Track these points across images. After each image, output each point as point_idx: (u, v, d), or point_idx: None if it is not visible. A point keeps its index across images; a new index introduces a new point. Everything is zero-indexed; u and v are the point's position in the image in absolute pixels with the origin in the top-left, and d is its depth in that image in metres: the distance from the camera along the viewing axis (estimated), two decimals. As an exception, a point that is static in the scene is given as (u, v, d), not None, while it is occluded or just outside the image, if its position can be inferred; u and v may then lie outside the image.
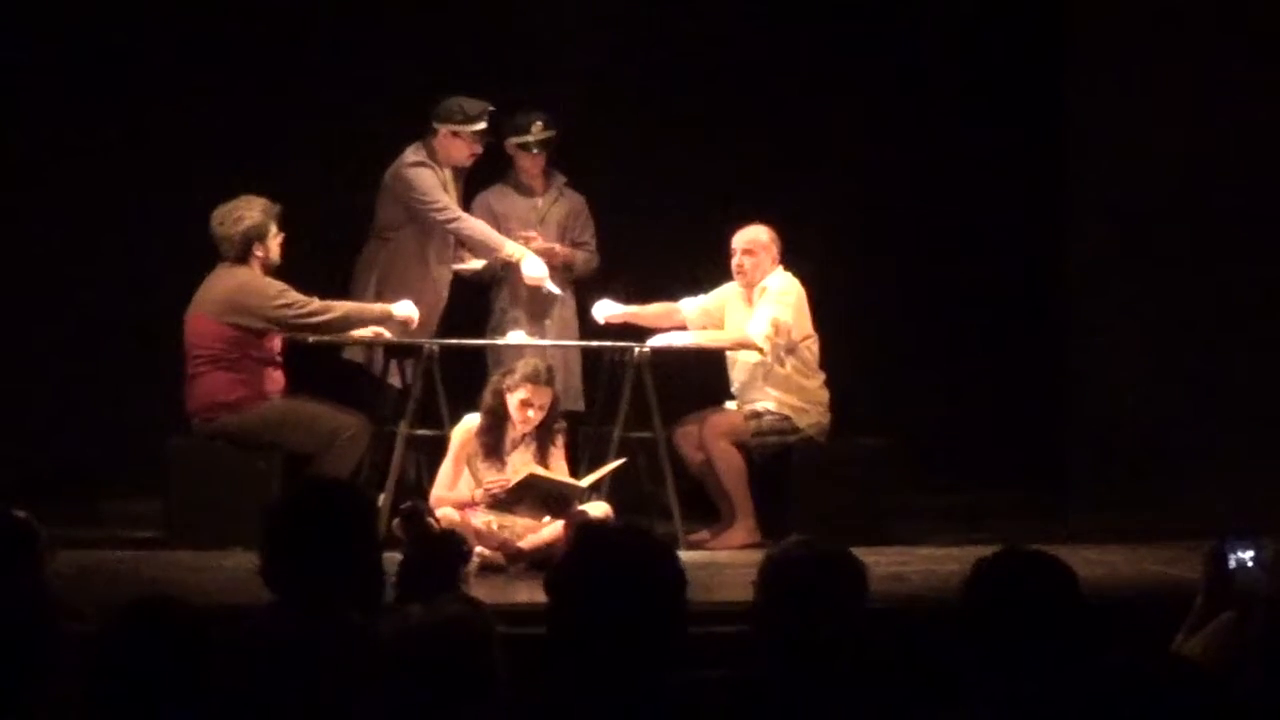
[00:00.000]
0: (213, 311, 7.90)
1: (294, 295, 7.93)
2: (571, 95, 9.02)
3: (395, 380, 8.36)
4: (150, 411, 8.51)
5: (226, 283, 7.92)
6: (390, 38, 9.26)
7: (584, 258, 8.65)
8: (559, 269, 8.54)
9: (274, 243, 7.97)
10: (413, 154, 8.37)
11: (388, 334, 8.17)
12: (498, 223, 8.54)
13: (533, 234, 8.51)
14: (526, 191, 8.64)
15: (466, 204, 8.59)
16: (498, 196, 8.64)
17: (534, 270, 8.36)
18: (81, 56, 9.11)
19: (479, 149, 8.42)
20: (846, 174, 9.48)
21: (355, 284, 8.39)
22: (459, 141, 8.38)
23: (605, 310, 8.40)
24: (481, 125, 8.37)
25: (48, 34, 9.10)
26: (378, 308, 8.12)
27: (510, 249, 8.36)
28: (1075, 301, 9.66)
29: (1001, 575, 3.50)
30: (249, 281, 7.90)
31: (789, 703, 3.49)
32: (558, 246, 8.54)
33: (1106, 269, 9.47)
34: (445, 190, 8.36)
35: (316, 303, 7.95)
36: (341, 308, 8.02)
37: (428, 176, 8.33)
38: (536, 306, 8.56)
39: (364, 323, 8.11)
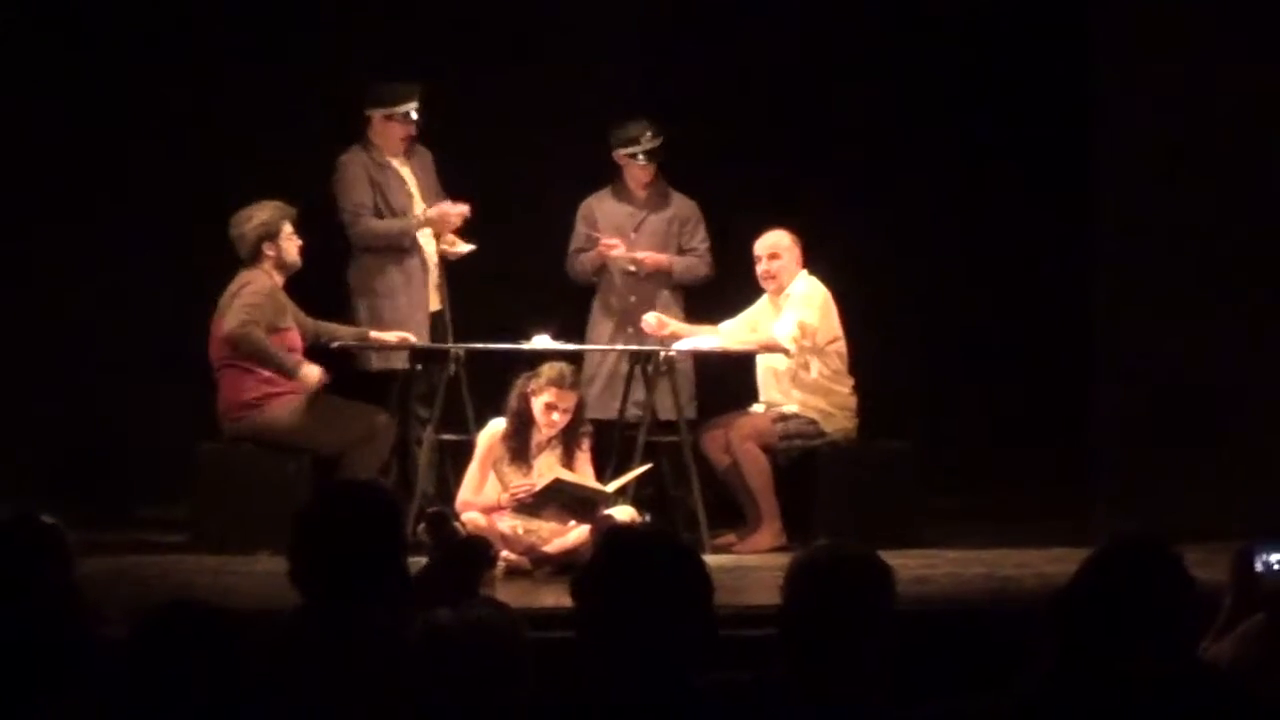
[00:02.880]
0: (221, 316, 8.00)
1: (252, 315, 7.88)
2: (603, 99, 9.02)
3: (421, 384, 8.39)
4: (178, 417, 8.54)
5: (234, 288, 8.02)
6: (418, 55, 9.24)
7: (685, 265, 8.62)
8: (651, 277, 8.55)
9: (287, 243, 8.03)
10: (342, 155, 8.41)
11: (413, 338, 8.19)
12: (598, 227, 8.58)
13: (615, 241, 8.50)
14: (627, 198, 8.65)
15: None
16: (599, 202, 8.67)
17: (451, 217, 8.36)
18: (109, 58, 9.11)
19: (412, 130, 8.41)
20: (872, 177, 9.47)
21: (348, 303, 8.40)
22: (392, 125, 8.39)
23: (654, 324, 8.40)
24: (410, 105, 8.37)
25: (76, 42, 9.11)
26: (287, 359, 7.97)
27: (415, 220, 8.34)
28: (1102, 304, 9.62)
29: (1119, 565, 3.49)
30: (244, 288, 7.97)
31: (815, 706, 3.48)
32: (640, 255, 8.52)
33: (1133, 271, 9.43)
34: (368, 185, 8.34)
35: (250, 331, 7.90)
36: (257, 345, 7.93)
37: (345, 177, 8.36)
38: (628, 313, 8.57)
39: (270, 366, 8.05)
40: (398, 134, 8.41)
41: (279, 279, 8.04)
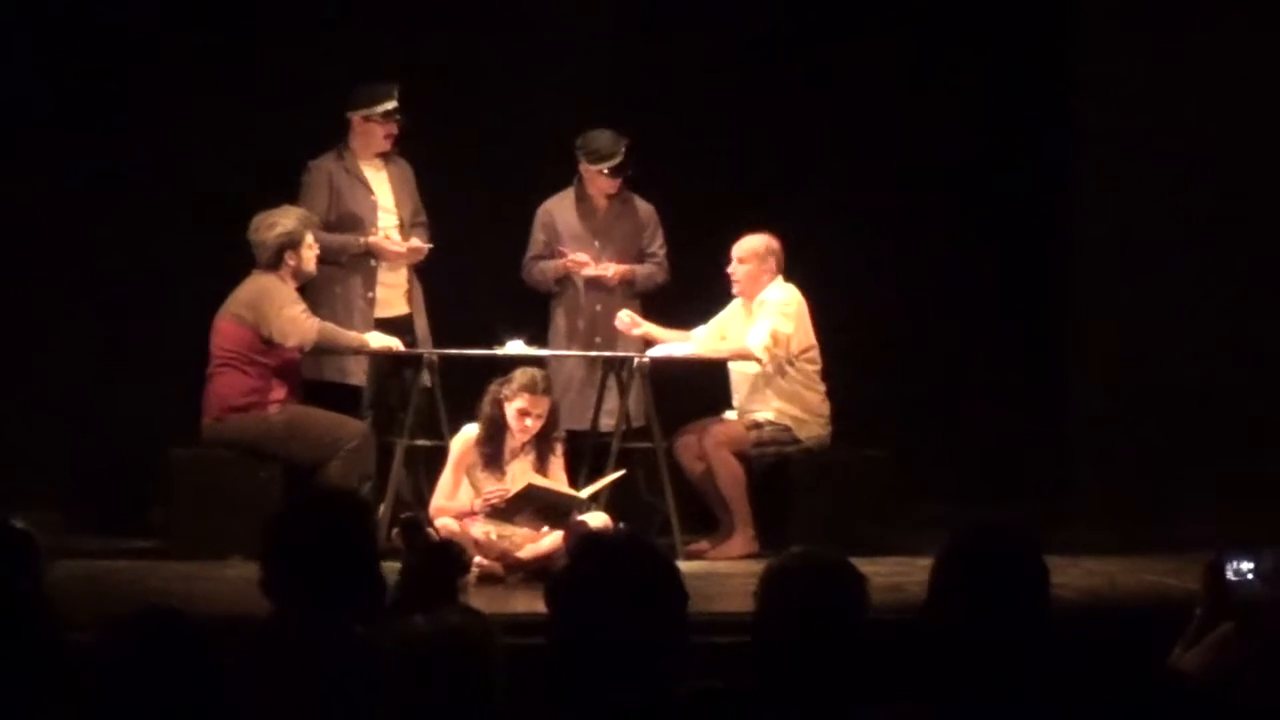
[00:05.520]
0: (234, 314, 8.01)
1: (295, 311, 7.96)
2: (568, 104, 9.02)
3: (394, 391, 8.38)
4: (151, 422, 8.53)
5: (252, 287, 8.03)
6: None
7: (646, 272, 8.61)
8: (618, 286, 8.54)
9: (308, 252, 8.05)
10: (313, 160, 8.43)
11: (399, 345, 8.17)
12: (559, 236, 8.56)
13: (585, 258, 8.48)
14: (589, 206, 8.61)
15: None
16: (560, 208, 8.63)
17: (390, 253, 8.36)
18: (113, 68, 9.09)
19: (394, 129, 8.42)
20: (846, 184, 9.47)
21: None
22: (372, 125, 8.41)
23: (626, 321, 8.39)
24: (390, 104, 8.38)
25: (80, 43, 9.09)
26: (354, 336, 8.13)
27: (355, 241, 8.35)
28: (1078, 313, 9.65)
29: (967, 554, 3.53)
30: (270, 288, 7.99)
31: (788, 714, 3.49)
32: (611, 269, 8.51)
33: (1109, 279, 9.47)
34: (327, 193, 8.35)
35: (306, 321, 7.97)
36: (319, 333, 8.01)
37: (306, 183, 8.40)
38: (594, 323, 8.55)
39: (335, 349, 8.14)
40: (378, 134, 8.41)
41: (293, 285, 8.05)
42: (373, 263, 8.41)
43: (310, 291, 8.29)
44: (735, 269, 8.36)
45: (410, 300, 8.52)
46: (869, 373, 9.11)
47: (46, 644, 3.79)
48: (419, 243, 8.44)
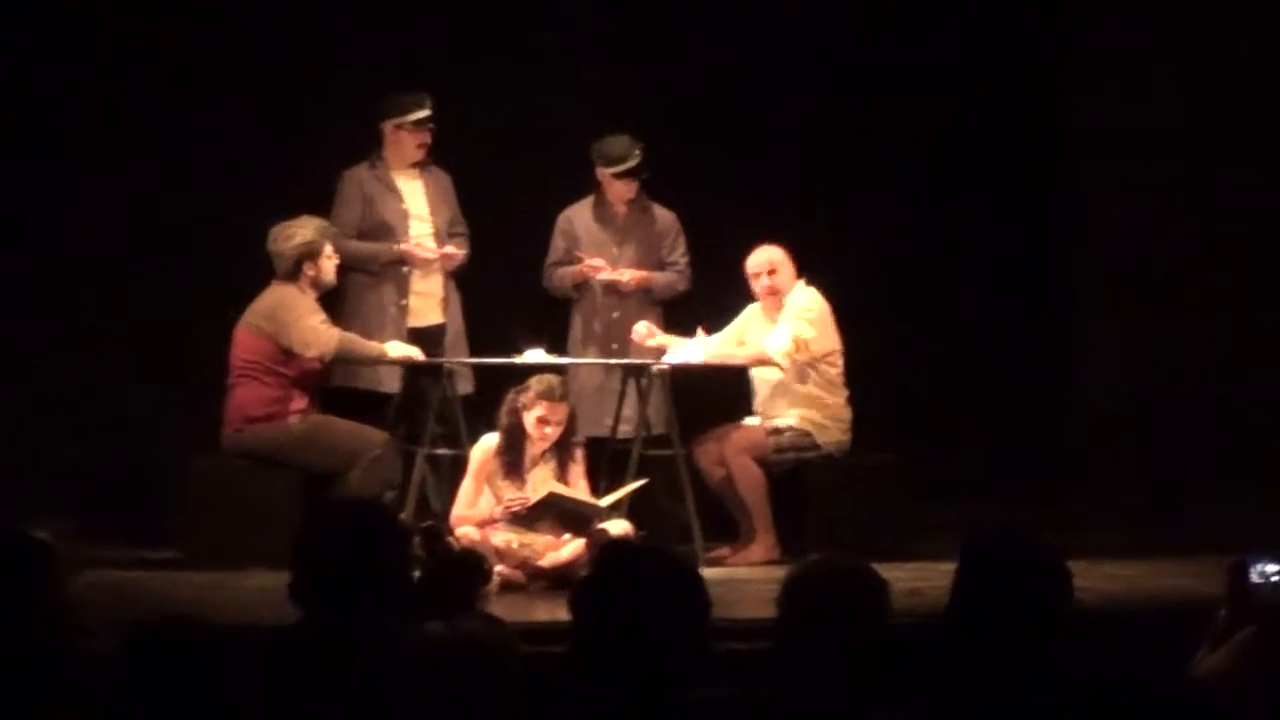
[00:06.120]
0: (253, 325, 8.02)
1: (314, 321, 7.96)
2: (589, 112, 9.02)
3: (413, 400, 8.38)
4: (171, 432, 8.53)
5: (270, 298, 8.04)
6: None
7: (665, 280, 8.59)
8: (635, 293, 8.53)
9: (327, 262, 8.06)
10: (346, 170, 8.43)
11: (419, 354, 8.17)
12: (578, 242, 8.56)
13: (601, 263, 8.48)
14: (608, 213, 8.61)
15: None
16: (579, 215, 8.63)
17: (420, 259, 8.37)
18: (139, 73, 9.10)
19: (426, 138, 8.42)
20: (850, 190, 9.45)
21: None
22: (403, 134, 8.42)
23: (643, 332, 8.37)
24: (423, 113, 8.39)
25: (109, 45, 9.11)
26: (373, 346, 8.12)
27: (386, 249, 8.34)
28: (1083, 315, 9.64)
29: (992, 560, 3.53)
30: (289, 298, 8.00)
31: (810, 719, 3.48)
32: (627, 275, 8.51)
33: (1113, 281, 9.45)
34: (359, 203, 8.36)
35: (326, 331, 7.98)
36: (339, 343, 8.00)
37: (339, 194, 8.41)
38: (612, 329, 8.54)
39: (355, 359, 8.14)
40: (410, 143, 8.42)
41: (312, 295, 8.06)
42: (405, 270, 8.41)
43: (343, 300, 8.31)
44: (770, 280, 8.30)
45: (446, 309, 8.51)
46: (876, 377, 9.08)
47: (62, 654, 3.79)
48: (453, 249, 8.45)
